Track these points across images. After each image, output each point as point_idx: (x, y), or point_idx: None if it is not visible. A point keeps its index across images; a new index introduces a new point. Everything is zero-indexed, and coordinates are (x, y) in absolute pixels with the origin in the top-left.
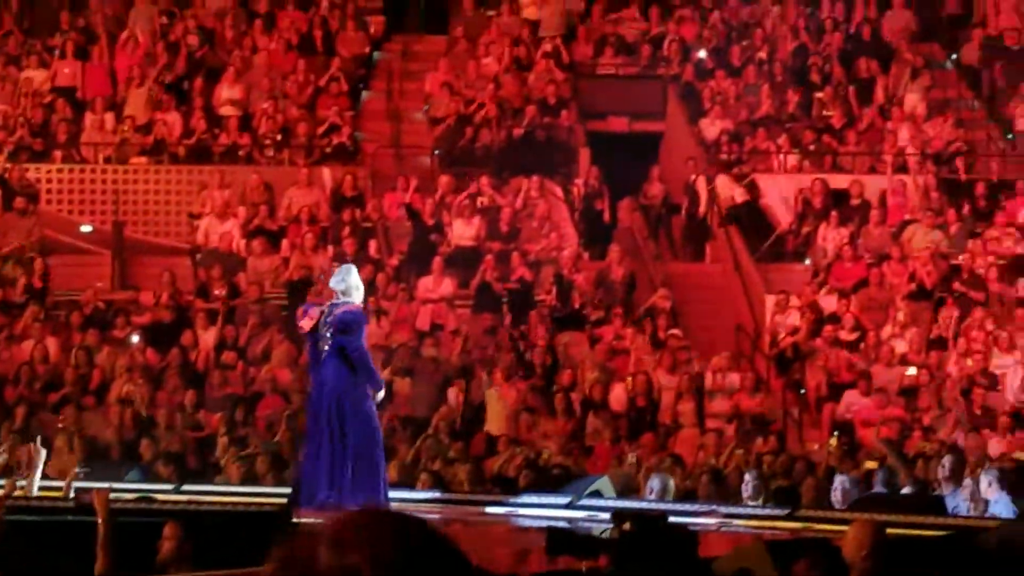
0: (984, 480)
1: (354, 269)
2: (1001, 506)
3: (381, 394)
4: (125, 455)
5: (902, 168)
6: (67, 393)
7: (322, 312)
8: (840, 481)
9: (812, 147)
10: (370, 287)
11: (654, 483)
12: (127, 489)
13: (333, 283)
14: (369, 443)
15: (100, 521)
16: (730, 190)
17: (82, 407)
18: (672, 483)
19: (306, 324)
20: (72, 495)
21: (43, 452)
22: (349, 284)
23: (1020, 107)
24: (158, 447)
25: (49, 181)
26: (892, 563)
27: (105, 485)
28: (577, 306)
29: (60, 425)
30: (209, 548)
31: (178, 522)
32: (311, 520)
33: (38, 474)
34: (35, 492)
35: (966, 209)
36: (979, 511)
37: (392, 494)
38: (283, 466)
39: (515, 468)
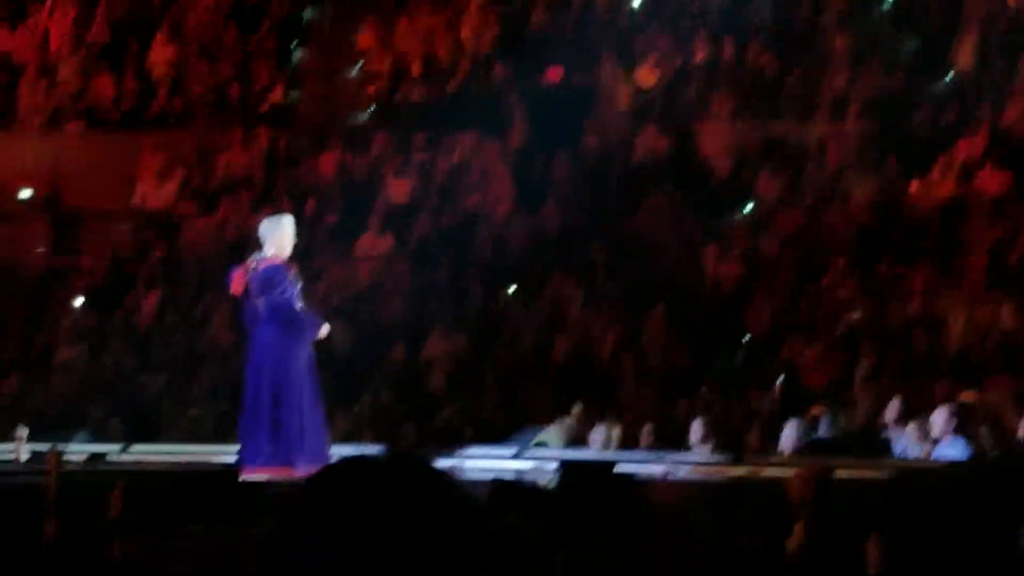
0: (938, 419)
1: (285, 219)
2: (956, 448)
3: (326, 328)
4: (72, 419)
5: (840, 114)
6: (11, 359)
7: (246, 271)
8: (788, 426)
9: (748, 95)
10: (308, 247)
11: (598, 433)
12: (76, 451)
13: (261, 229)
14: (310, 400)
15: (52, 480)
16: (658, 143)
17: (27, 372)
18: (616, 433)
19: (235, 288)
20: (25, 457)
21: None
22: (272, 235)
23: (960, 49)
24: (103, 410)
25: None
26: (837, 506)
27: (57, 447)
28: (510, 261)
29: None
30: (158, 507)
31: (127, 482)
32: (257, 479)
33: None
34: None
35: (906, 154)
36: (925, 453)
37: (336, 451)
38: (228, 426)
39: (458, 423)
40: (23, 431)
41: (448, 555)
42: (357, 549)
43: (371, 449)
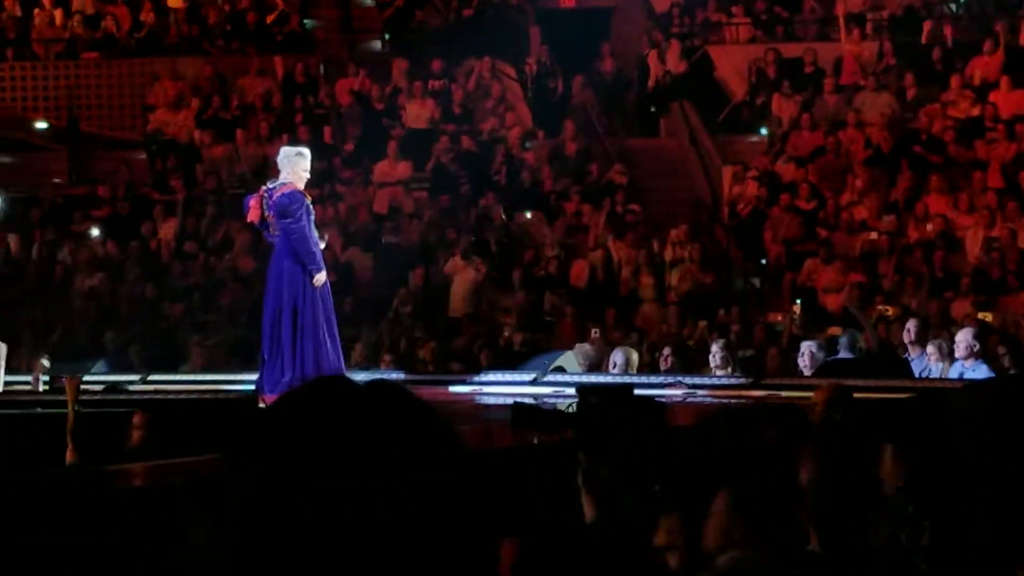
0: (962, 340)
1: (304, 150)
2: (980, 373)
3: (322, 276)
4: (90, 348)
5: (856, 33)
6: (30, 289)
7: (261, 198)
8: (806, 347)
9: (764, 17)
10: (326, 173)
11: (617, 357)
12: (95, 381)
13: (279, 156)
14: (327, 327)
15: (69, 409)
16: (677, 62)
17: (46, 302)
18: (635, 356)
19: (251, 215)
20: (42, 388)
21: (3, 347)
22: (291, 162)
23: None
24: (122, 338)
25: (2, 79)
26: (858, 426)
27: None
28: (528, 184)
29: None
30: (177, 436)
31: (146, 411)
32: None
33: (0, 370)
34: None
35: (922, 73)
36: (944, 373)
37: (356, 376)
38: (247, 354)
39: (477, 347)
40: (46, 361)
41: (413, 489)
42: (318, 475)
43: (389, 374)
